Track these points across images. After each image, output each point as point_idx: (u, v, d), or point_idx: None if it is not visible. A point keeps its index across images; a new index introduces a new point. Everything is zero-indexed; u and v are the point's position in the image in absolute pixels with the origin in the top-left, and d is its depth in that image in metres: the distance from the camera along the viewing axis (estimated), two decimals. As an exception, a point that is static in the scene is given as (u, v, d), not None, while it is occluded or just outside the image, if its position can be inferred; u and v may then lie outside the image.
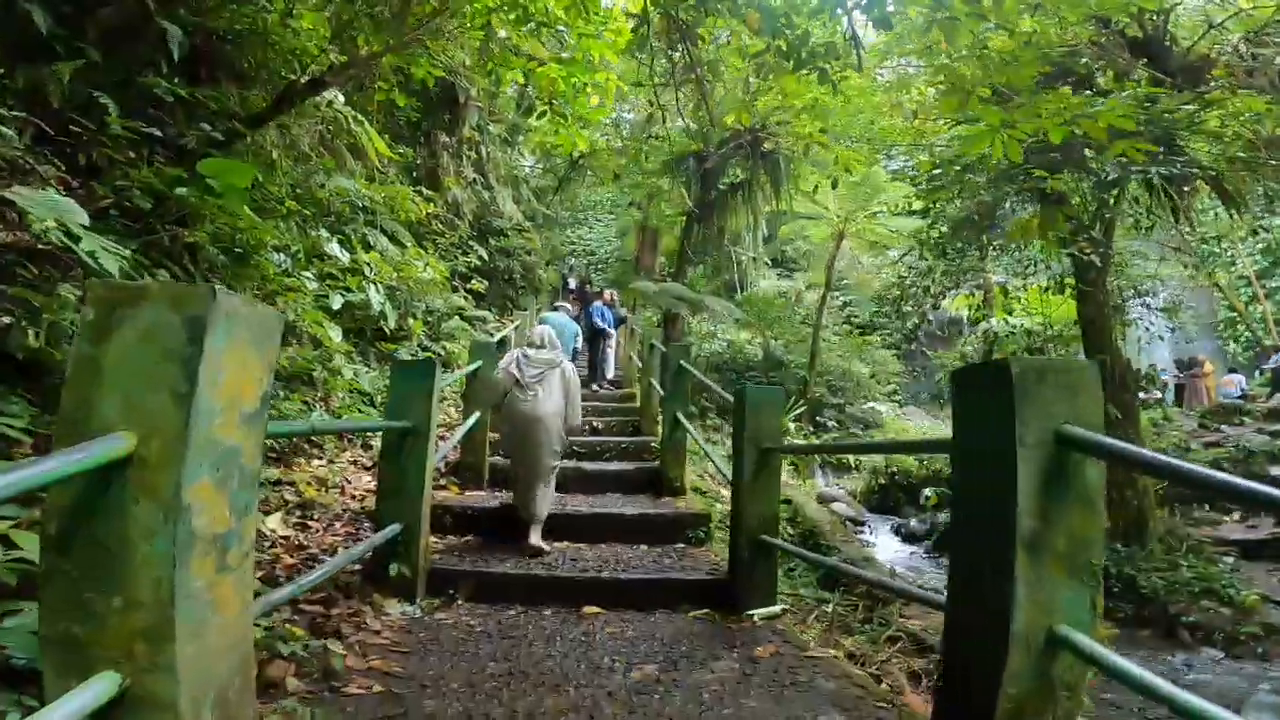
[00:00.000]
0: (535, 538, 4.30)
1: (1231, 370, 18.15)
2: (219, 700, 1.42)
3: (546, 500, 4.50)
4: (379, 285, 7.20)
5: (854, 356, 18.59)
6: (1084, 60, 7.09)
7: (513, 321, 9.50)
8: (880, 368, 19.76)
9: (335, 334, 5.91)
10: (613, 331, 11.34)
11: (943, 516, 11.86)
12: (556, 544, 4.44)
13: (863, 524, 12.03)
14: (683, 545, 4.61)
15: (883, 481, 14.39)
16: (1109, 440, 1.61)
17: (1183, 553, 7.40)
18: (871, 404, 16.90)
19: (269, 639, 2.48)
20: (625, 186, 20.79)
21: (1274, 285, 19.92)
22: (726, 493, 8.12)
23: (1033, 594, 1.61)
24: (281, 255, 5.89)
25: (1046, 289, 8.53)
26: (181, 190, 3.46)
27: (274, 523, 3.64)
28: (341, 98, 6.98)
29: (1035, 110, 4.67)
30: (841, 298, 22.32)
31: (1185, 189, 7.35)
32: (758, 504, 3.36)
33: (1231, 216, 8.17)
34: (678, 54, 5.81)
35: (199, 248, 4.22)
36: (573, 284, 20.34)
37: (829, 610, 3.82)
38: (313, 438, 5.21)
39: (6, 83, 3.54)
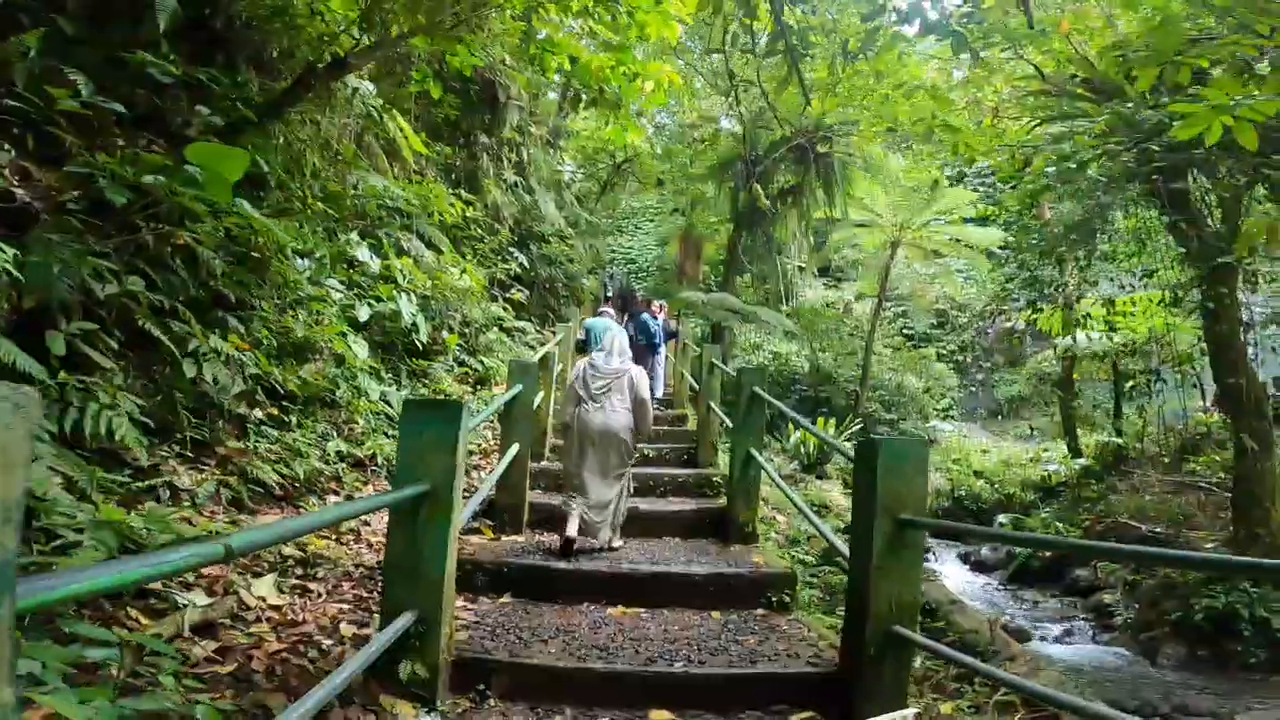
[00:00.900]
0: (572, 528, 4.12)
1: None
2: None
3: (621, 504, 4.40)
4: (412, 294, 6.57)
5: (907, 370, 17.62)
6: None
7: (555, 334, 8.75)
8: (935, 382, 18.68)
9: (361, 350, 5.27)
10: (663, 346, 10.53)
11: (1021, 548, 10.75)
12: (610, 609, 3.71)
13: (926, 551, 10.96)
14: (762, 611, 3.84)
15: (946, 504, 13.35)
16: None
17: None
18: (934, 423, 15.89)
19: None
20: (669, 192, 20.08)
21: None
22: (787, 523, 7.23)
23: None
24: (305, 260, 5.32)
25: (1160, 302, 7.49)
26: (149, 179, 2.77)
27: (264, 589, 2.91)
28: (373, 88, 6.37)
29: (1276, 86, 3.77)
30: (893, 309, 21.25)
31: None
32: (891, 586, 2.54)
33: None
34: (757, 21, 5.04)
35: (196, 251, 3.56)
36: (611, 292, 19.62)
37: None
38: (328, 468, 4.52)
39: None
